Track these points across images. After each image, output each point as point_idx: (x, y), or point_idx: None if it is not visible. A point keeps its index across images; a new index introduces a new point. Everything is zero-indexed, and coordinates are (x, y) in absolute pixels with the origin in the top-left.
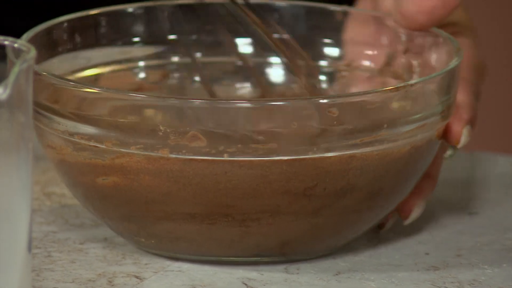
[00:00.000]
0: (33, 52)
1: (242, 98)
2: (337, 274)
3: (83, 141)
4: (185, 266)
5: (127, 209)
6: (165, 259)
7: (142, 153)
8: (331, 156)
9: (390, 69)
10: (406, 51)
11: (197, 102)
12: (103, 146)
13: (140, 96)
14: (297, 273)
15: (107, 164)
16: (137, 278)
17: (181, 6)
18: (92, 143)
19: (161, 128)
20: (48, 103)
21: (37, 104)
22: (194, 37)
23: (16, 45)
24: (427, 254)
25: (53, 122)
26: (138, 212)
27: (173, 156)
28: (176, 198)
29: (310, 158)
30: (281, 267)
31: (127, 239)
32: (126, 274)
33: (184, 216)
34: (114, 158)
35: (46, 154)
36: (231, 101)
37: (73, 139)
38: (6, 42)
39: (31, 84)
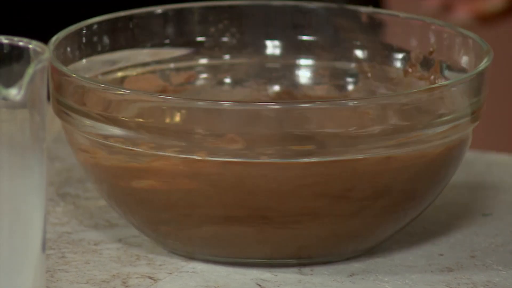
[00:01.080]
0: (47, 53)
1: (279, 100)
2: (351, 276)
3: (118, 144)
4: (199, 267)
5: (163, 212)
6: (180, 260)
7: (179, 156)
8: (368, 158)
9: (417, 70)
10: (431, 53)
11: (232, 104)
12: (139, 149)
13: (176, 98)
14: (311, 274)
15: (143, 167)
16: (151, 279)
17: (210, 8)
18: (127, 146)
19: (199, 130)
20: (79, 105)
21: (67, 106)
22: (223, 39)
23: (31, 46)
24: (441, 255)
25: (85, 125)
26: (175, 216)
27: (211, 158)
28: (214, 201)
29: (348, 160)
30: (295, 268)
31: (157, 242)
32: (140, 275)
33: (221, 219)
34: (150, 161)
35: (77, 157)
36: (268, 103)
37: (107, 142)
38: (21, 43)
39: (46, 85)
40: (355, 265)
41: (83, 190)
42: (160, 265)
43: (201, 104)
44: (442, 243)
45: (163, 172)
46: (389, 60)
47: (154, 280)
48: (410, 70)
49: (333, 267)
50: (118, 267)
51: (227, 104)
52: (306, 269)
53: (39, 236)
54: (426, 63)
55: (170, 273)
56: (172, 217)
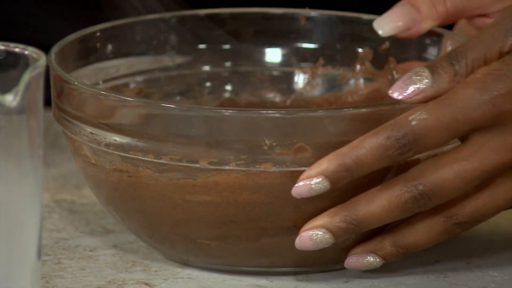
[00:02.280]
0: (43, 59)
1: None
2: (346, 282)
3: (172, 162)
4: (195, 273)
5: (216, 227)
6: (175, 266)
7: (242, 169)
8: None
9: (368, 68)
10: (384, 50)
11: (305, 112)
12: (197, 165)
13: (247, 111)
14: (307, 281)
15: (199, 183)
16: (147, 285)
17: (209, 16)
18: (184, 163)
19: (267, 142)
20: (130, 126)
21: (96, 124)
22: (222, 46)
23: (27, 52)
24: (437, 261)
25: (132, 147)
26: (229, 231)
27: (276, 169)
28: (276, 212)
29: None
30: (290, 274)
31: (194, 259)
32: (136, 281)
33: (283, 231)
34: (208, 177)
35: (108, 178)
36: (344, 109)
37: (159, 160)
38: (17, 50)
39: (42, 91)
40: (351, 271)
41: (79, 196)
42: (156, 271)
43: (271, 114)
44: (438, 249)
45: (221, 186)
46: (336, 60)
47: (149, 286)
48: (358, 67)
49: (329, 273)
50: (114, 273)
51: (301, 114)
52: (302, 276)
53: (35, 242)
54: (379, 61)
55: (166, 279)
56: (225, 232)
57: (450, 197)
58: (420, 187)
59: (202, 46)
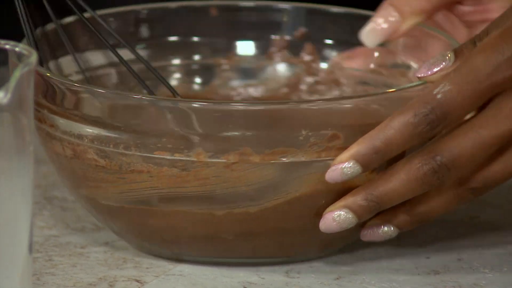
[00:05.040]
0: (34, 56)
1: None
2: (338, 278)
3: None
4: (186, 270)
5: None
6: (167, 263)
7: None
8: None
9: (285, 54)
10: (302, 36)
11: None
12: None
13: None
14: (298, 277)
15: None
16: (138, 282)
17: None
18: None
19: (303, 132)
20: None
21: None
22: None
23: (17, 49)
24: (428, 258)
25: (119, 140)
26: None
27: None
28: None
29: None
30: (281, 270)
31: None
32: (127, 278)
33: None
34: (197, 171)
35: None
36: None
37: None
38: (7, 46)
39: (32, 87)
40: (342, 268)
41: (70, 193)
42: (147, 268)
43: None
44: (429, 246)
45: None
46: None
47: (141, 283)
48: (274, 53)
49: (320, 269)
50: (105, 270)
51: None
52: (293, 272)
53: (25, 239)
54: (297, 47)
55: (157, 276)
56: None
57: (469, 167)
58: (438, 158)
59: (173, 38)
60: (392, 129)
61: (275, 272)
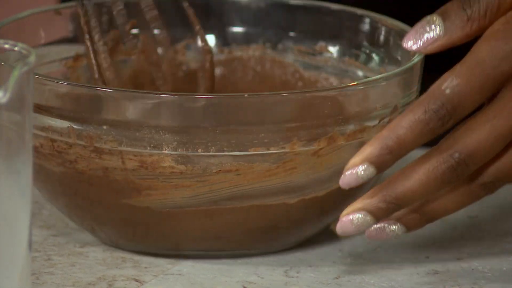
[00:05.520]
0: (33, 56)
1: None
2: (337, 278)
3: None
4: (185, 269)
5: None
6: (165, 262)
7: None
8: None
9: (123, 48)
10: (131, 27)
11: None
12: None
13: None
14: (297, 277)
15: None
16: (137, 281)
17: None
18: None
19: (376, 107)
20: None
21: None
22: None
23: (16, 48)
24: (427, 257)
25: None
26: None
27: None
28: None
29: None
30: (281, 270)
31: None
32: (126, 278)
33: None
34: (285, 162)
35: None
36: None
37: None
38: (6, 46)
39: (32, 87)
40: (342, 268)
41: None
42: (145, 267)
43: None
44: (428, 245)
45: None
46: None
47: (139, 282)
48: (114, 47)
49: (319, 269)
50: (104, 270)
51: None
52: (292, 272)
53: (25, 238)
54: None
55: (156, 276)
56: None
57: (487, 159)
58: (456, 155)
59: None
60: (403, 128)
61: (274, 271)
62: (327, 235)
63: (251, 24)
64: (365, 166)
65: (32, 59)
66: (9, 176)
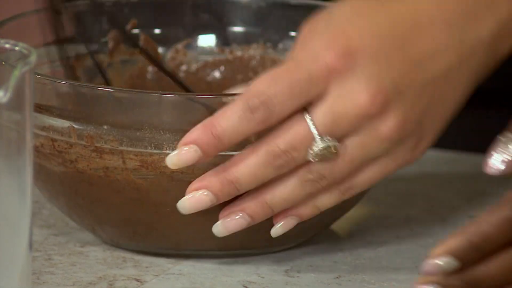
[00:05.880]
0: (34, 55)
1: None
2: (337, 277)
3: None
4: (186, 269)
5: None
6: (166, 262)
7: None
8: None
9: (124, 49)
10: (132, 27)
11: None
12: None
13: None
14: (298, 276)
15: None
16: (137, 281)
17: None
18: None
19: None
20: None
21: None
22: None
23: (17, 48)
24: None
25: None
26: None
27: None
28: None
29: None
30: (281, 269)
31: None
32: (127, 277)
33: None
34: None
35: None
36: None
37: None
38: (7, 45)
39: (32, 87)
40: (342, 267)
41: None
42: (146, 267)
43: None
44: (429, 245)
45: None
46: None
47: (140, 282)
48: (114, 51)
49: (320, 268)
50: (105, 269)
51: None
52: (293, 271)
53: (25, 238)
54: (131, 39)
55: (157, 275)
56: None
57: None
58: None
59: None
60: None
61: (275, 271)
62: (327, 235)
63: (252, 23)
64: (447, 259)
65: (32, 58)
66: (9, 176)
